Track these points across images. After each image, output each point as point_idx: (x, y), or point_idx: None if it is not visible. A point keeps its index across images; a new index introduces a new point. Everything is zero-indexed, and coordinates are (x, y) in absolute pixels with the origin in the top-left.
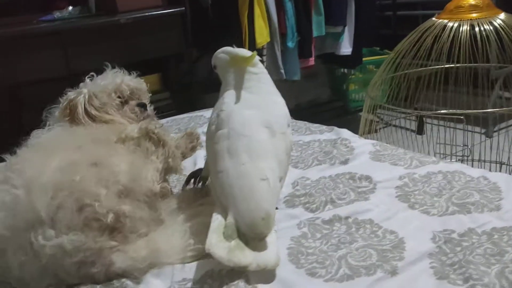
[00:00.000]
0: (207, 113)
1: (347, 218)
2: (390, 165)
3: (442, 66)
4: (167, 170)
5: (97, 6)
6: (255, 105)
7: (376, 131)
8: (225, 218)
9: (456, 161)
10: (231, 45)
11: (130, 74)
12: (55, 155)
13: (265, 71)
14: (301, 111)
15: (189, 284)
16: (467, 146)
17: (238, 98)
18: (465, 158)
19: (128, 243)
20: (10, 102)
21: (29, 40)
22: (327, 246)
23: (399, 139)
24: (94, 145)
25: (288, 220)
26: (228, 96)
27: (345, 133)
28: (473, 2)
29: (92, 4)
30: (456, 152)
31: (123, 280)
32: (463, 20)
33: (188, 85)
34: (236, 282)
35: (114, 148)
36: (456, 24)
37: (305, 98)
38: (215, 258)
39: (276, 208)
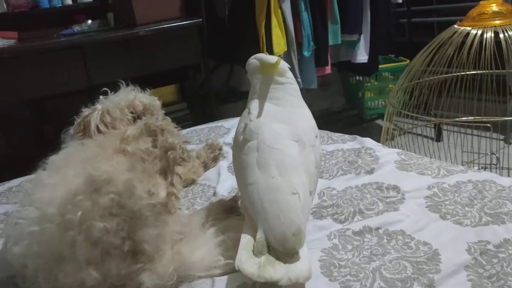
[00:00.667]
0: (226, 123)
1: (377, 229)
2: (417, 174)
3: (457, 73)
4: (170, 165)
5: (115, 19)
6: (283, 119)
7: (392, 138)
8: (254, 233)
9: (479, 169)
10: (248, 55)
11: (143, 91)
12: (61, 183)
13: (293, 81)
14: (315, 119)
15: None
16: (495, 154)
17: (266, 111)
18: (493, 166)
19: (154, 260)
20: (32, 115)
21: (49, 54)
22: (359, 258)
23: (416, 146)
24: (96, 160)
25: (317, 231)
26: (255, 107)
27: (369, 142)
28: (496, 9)
29: (110, 18)
30: (478, 160)
31: None
32: (487, 27)
33: (205, 95)
34: None
35: (108, 164)
36: (479, 31)
37: (319, 107)
38: (246, 275)
39: None
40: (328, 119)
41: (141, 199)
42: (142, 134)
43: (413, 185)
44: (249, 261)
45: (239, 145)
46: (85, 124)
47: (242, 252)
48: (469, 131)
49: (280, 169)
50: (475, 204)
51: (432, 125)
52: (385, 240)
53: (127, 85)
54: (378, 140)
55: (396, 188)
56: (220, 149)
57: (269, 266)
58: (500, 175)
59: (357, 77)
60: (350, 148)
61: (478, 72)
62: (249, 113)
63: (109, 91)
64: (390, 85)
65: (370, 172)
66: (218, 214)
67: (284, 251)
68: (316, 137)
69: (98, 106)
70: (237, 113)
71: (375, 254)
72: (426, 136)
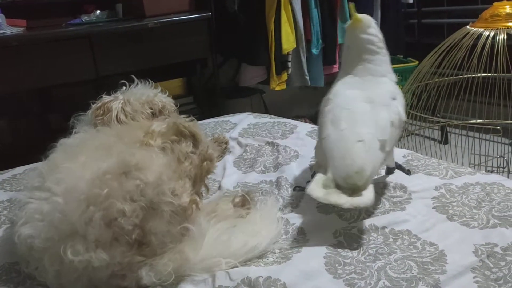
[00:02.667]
0: (233, 118)
1: (383, 228)
2: (424, 175)
3: (468, 75)
4: (203, 174)
5: (124, 10)
6: (358, 87)
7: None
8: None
9: (486, 171)
10: (256, 51)
11: (149, 84)
12: (88, 164)
13: (377, 47)
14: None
15: None
16: (503, 157)
17: (344, 82)
18: (500, 169)
19: (156, 255)
20: (38, 104)
21: (57, 43)
22: (365, 256)
23: (423, 148)
24: (126, 148)
25: (322, 228)
26: (337, 82)
27: None
28: (509, 11)
29: (119, 9)
30: (486, 162)
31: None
32: (500, 28)
33: (211, 90)
34: None
35: (145, 153)
36: (492, 33)
37: None
38: (314, 197)
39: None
40: None
41: (163, 195)
42: (168, 132)
43: (420, 186)
44: (317, 189)
45: (321, 113)
46: (105, 110)
47: (312, 184)
48: (477, 134)
49: (349, 123)
50: (483, 206)
51: (438, 128)
52: (391, 239)
53: (138, 78)
54: None
55: (403, 187)
56: (227, 143)
57: (335, 194)
58: (508, 178)
59: None
60: None
61: (489, 74)
62: (331, 89)
63: (127, 83)
64: (398, 86)
65: None
66: (226, 210)
67: (348, 186)
68: (394, 99)
69: (120, 96)
70: (243, 108)
71: (380, 253)
72: (432, 139)
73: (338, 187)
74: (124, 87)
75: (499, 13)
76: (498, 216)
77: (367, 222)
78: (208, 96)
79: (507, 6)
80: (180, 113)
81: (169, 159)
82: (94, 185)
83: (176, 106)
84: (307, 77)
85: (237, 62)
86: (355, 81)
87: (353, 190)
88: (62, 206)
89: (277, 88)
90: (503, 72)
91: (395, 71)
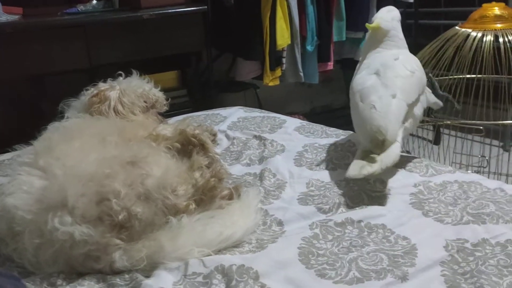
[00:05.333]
0: (224, 111)
1: (359, 221)
2: (405, 171)
3: (460, 76)
4: (206, 189)
5: (120, 1)
6: (370, 64)
7: None
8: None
9: (472, 172)
10: (250, 46)
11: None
12: (86, 149)
13: (395, 32)
14: (315, 115)
15: (199, 278)
16: (485, 156)
17: (363, 64)
18: (482, 168)
19: (132, 241)
20: (31, 92)
21: (52, 32)
22: (338, 248)
23: (415, 148)
24: (138, 143)
25: (300, 220)
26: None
27: None
28: (498, 13)
29: None
30: (472, 163)
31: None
32: (487, 30)
33: (205, 83)
34: (245, 278)
35: (155, 151)
36: (479, 34)
37: (320, 103)
38: (351, 177)
39: None
40: (328, 116)
41: (164, 189)
42: (174, 138)
43: (400, 181)
44: (353, 167)
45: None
46: (102, 98)
47: (350, 167)
48: (469, 136)
49: (361, 98)
50: (458, 203)
51: (431, 128)
52: (365, 233)
53: (130, 70)
54: None
55: (383, 183)
56: (215, 135)
57: (368, 166)
58: (496, 179)
59: None
60: (343, 143)
61: (473, 76)
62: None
63: (123, 74)
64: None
65: None
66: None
67: (377, 146)
68: (396, 59)
69: (116, 85)
70: (237, 103)
71: (354, 245)
72: (424, 138)
73: (371, 152)
74: (121, 77)
75: (487, 15)
76: (472, 213)
77: (344, 216)
78: (202, 89)
79: (496, 8)
80: (173, 105)
81: (179, 162)
82: (100, 165)
83: (167, 100)
84: (301, 74)
85: (232, 56)
86: (370, 61)
87: (382, 148)
88: (61, 178)
89: (270, 84)
90: (490, 74)
91: None
